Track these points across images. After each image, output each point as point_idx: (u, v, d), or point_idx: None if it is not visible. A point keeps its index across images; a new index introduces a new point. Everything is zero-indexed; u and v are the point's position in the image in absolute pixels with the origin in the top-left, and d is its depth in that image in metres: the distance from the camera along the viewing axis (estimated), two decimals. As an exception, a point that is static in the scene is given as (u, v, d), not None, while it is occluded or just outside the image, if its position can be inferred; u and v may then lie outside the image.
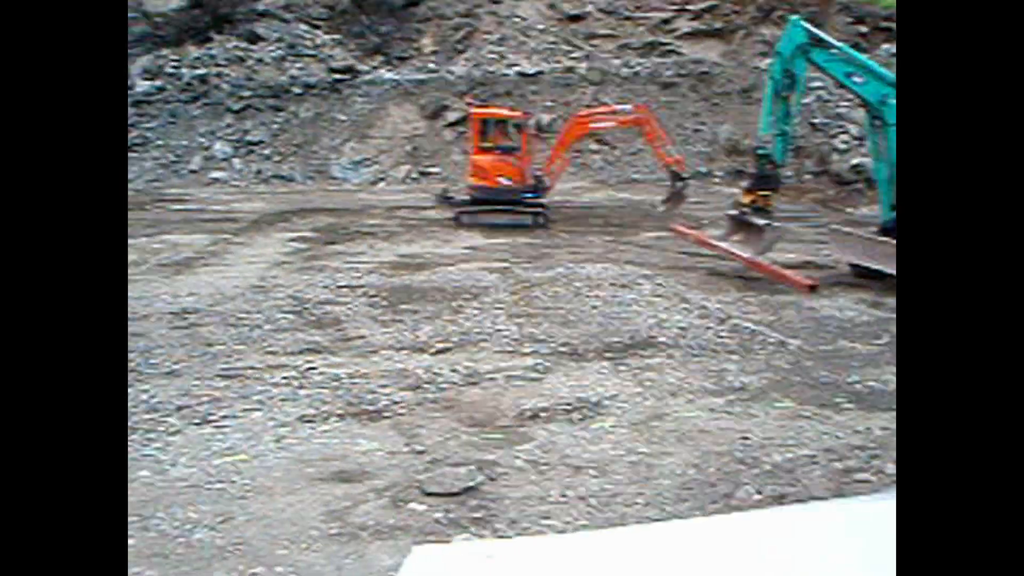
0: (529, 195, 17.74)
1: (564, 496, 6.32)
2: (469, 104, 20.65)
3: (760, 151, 13.59)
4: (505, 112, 19.62)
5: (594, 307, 11.35)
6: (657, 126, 18.40)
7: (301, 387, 8.37)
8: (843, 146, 24.86)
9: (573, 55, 29.44)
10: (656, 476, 6.62)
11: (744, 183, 15.07)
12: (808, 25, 13.28)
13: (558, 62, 28.86)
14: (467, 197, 18.24)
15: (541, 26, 30.17)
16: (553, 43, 29.72)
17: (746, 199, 13.74)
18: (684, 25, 30.70)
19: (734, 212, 14.12)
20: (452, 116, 26.61)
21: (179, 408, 7.87)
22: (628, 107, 19.17)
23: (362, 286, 12.32)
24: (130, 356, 9.26)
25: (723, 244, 13.93)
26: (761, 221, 13.36)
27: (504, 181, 17.52)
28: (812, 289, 12.11)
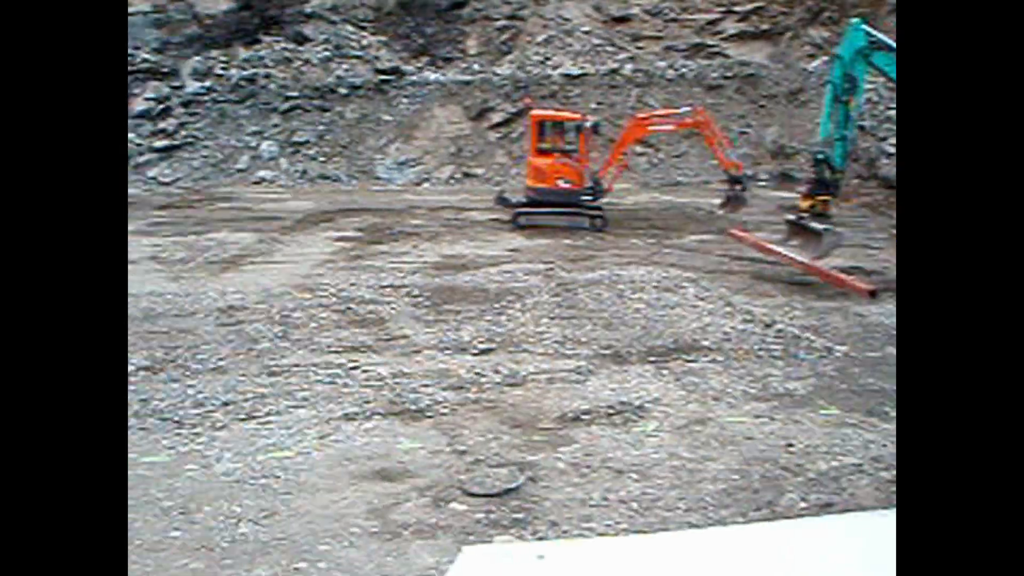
0: (587, 197, 17.69)
1: (605, 499, 6.30)
2: (528, 106, 20.62)
3: (819, 156, 13.43)
4: (563, 114, 19.61)
5: (637, 310, 11.29)
6: (716, 129, 18.23)
7: (345, 385, 8.44)
8: (892, 149, 24.46)
9: (618, 57, 29.32)
10: (698, 481, 6.57)
11: (802, 188, 14.91)
12: (868, 28, 13.08)
13: (603, 63, 28.77)
14: (524, 199, 18.21)
15: (586, 28, 30.09)
16: (598, 45, 29.63)
17: (804, 204, 13.61)
18: (730, 27, 30.43)
19: (792, 217, 13.99)
20: (496, 117, 26.66)
21: (225, 404, 7.98)
22: (687, 110, 19.03)
23: (405, 286, 12.39)
24: (177, 352, 9.42)
25: (780, 249, 13.78)
26: (820, 226, 13.21)
27: (562, 183, 17.49)
28: (872, 295, 11.88)
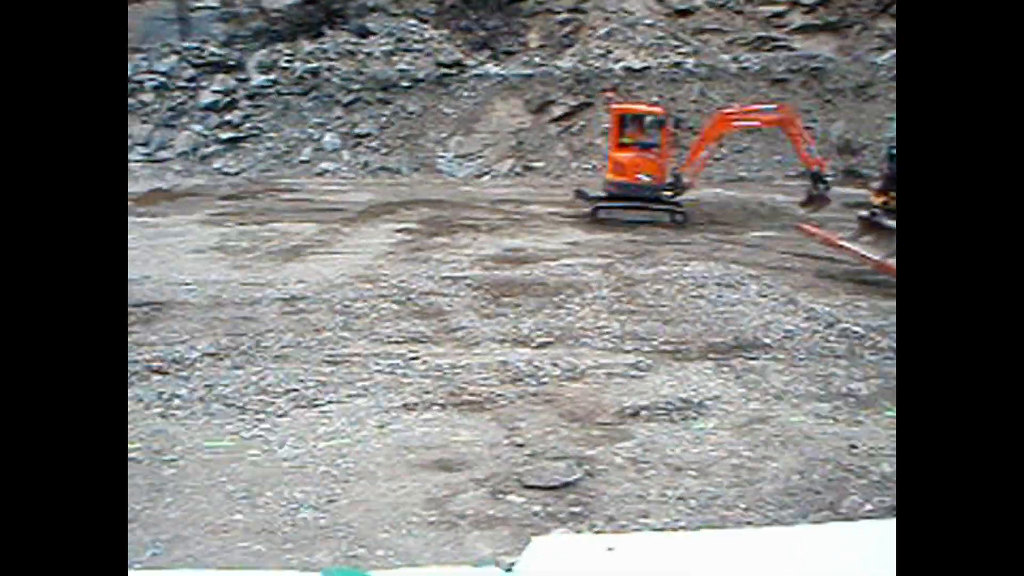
0: (667, 192, 17.56)
1: (663, 496, 6.26)
2: (609, 100, 20.57)
3: (893, 151, 13.14)
4: (644, 108, 19.46)
5: (698, 306, 11.19)
6: (801, 126, 17.90)
7: (404, 375, 8.52)
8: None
9: (681, 50, 29.03)
10: (758, 480, 6.49)
11: (875, 184, 14.60)
12: None
13: (665, 57, 28.52)
14: (603, 192, 18.12)
15: (649, 21, 29.84)
16: (661, 38, 29.37)
17: (877, 200, 13.31)
18: (796, 19, 29.91)
19: (864, 213, 13.71)
20: (557, 111, 26.61)
21: (287, 391, 8.10)
22: (772, 106, 18.74)
23: (465, 278, 12.45)
24: (241, 339, 9.60)
25: (852, 246, 13.50)
26: (893, 223, 12.91)
27: (643, 177, 17.37)
28: None
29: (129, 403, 7.92)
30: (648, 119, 18.18)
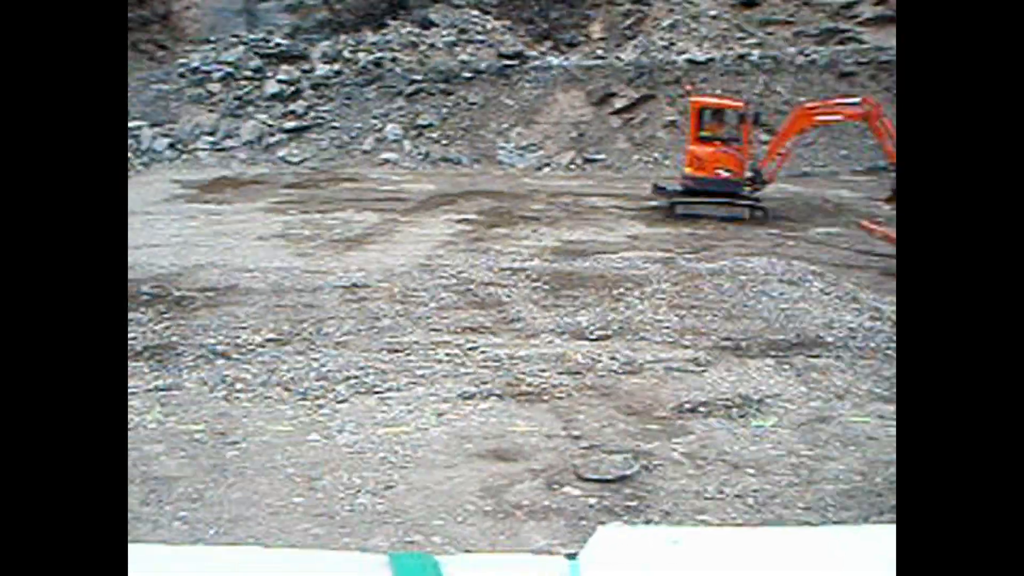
0: (746, 188, 17.23)
1: (721, 492, 6.21)
2: (688, 92, 20.27)
3: None
4: (725, 101, 19.11)
5: (759, 302, 11.03)
6: (887, 121, 17.38)
7: (462, 365, 8.57)
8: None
9: (746, 42, 28.59)
10: (818, 480, 6.39)
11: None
12: None
13: (730, 49, 28.11)
14: (680, 187, 17.91)
15: (713, 12, 29.45)
16: (725, 30, 28.97)
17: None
18: (867, 10, 29.22)
19: None
20: (619, 103, 26.42)
21: (347, 378, 8.21)
22: (856, 100, 18.25)
23: (524, 269, 12.45)
24: (303, 326, 9.74)
25: None
26: None
27: (722, 172, 17.05)
28: None
29: (194, 386, 8.11)
30: (728, 113, 17.86)
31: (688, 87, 21.81)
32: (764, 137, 20.81)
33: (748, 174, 17.16)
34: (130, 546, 2.04)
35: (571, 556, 1.77)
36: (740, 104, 18.52)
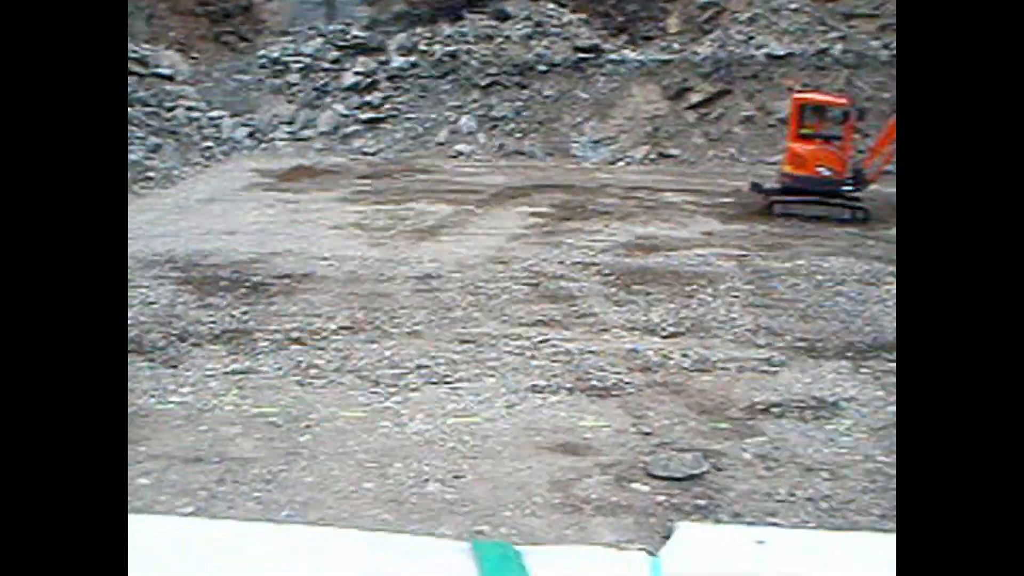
0: (847, 188, 16.77)
1: (792, 496, 6.10)
2: (791, 88, 19.81)
3: None
4: (829, 98, 18.68)
5: (836, 303, 10.79)
6: None
7: (533, 358, 8.58)
8: None
9: (828, 36, 27.93)
10: (894, 487, 6.23)
11: None
12: None
13: (811, 43, 27.49)
14: (778, 185, 17.49)
15: (794, 5, 28.82)
16: (807, 23, 28.32)
17: None
18: (956, 6, 28.34)
19: None
20: (695, 97, 26.07)
21: (418, 367, 8.30)
22: None
23: (596, 264, 12.40)
24: (376, 314, 9.87)
25: None
26: None
27: (824, 171, 16.59)
28: None
29: (269, 370, 8.29)
30: (831, 110, 17.38)
31: (791, 83, 21.22)
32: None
33: (850, 174, 16.67)
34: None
35: (653, 553, 1.77)
36: (845, 101, 17.99)
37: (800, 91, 18.74)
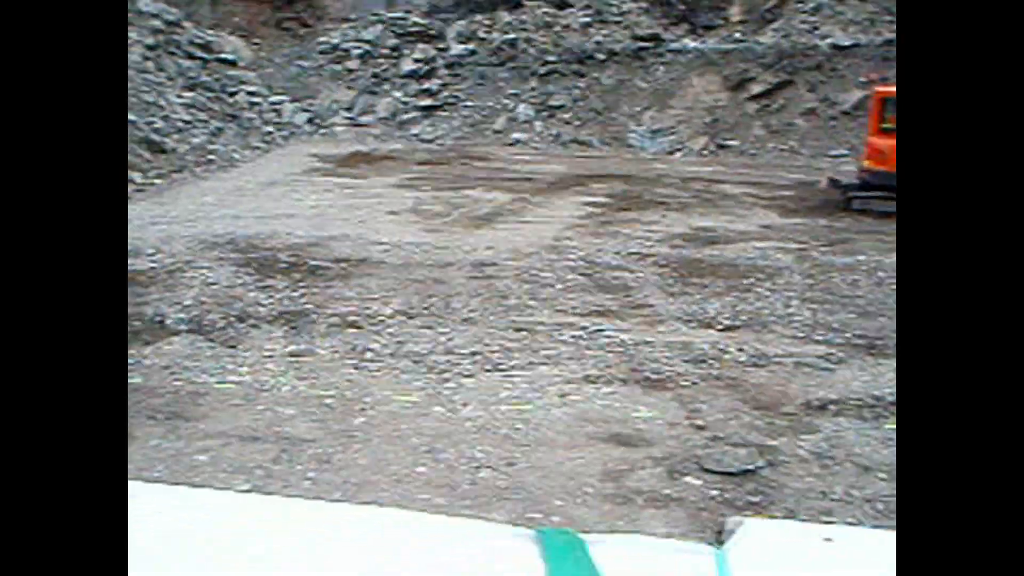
0: None
1: (848, 495, 6.00)
2: (871, 81, 19.48)
3: None
4: None
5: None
6: None
7: (587, 348, 8.56)
8: None
9: (895, 26, 27.31)
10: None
11: None
12: None
13: (877, 33, 26.91)
14: (857, 180, 17.21)
15: (862, -5, 28.24)
16: (874, 12, 27.71)
17: None
18: (1031, -3, 27.46)
19: None
20: (756, 88, 25.71)
21: (472, 354, 8.33)
22: None
23: (652, 255, 12.32)
24: (431, 300, 9.93)
25: None
26: None
27: None
28: None
29: (326, 352, 8.39)
30: None
31: (872, 76, 20.79)
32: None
33: None
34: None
35: (717, 546, 1.76)
36: None
37: (882, 84, 18.29)
